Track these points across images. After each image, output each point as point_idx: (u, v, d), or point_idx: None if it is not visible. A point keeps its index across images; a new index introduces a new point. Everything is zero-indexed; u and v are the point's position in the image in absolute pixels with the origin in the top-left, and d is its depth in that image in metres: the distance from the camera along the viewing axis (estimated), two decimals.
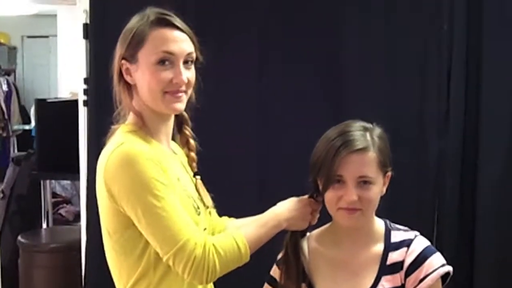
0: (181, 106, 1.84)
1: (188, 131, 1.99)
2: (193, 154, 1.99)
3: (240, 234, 1.79)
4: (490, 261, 2.84)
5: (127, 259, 1.79)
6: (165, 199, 1.70)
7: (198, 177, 1.97)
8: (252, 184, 3.07)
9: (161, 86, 1.78)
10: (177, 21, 1.81)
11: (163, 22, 1.79)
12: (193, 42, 1.84)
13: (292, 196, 1.94)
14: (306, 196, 1.91)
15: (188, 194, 1.84)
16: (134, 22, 1.82)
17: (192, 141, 1.99)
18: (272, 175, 3.07)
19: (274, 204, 1.92)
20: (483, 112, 2.84)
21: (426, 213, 2.93)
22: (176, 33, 1.80)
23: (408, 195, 2.89)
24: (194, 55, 1.83)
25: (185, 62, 1.81)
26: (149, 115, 1.84)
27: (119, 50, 1.82)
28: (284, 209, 1.89)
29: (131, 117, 1.86)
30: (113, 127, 1.88)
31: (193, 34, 1.84)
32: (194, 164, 1.99)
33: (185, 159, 1.99)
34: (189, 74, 1.82)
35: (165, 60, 1.78)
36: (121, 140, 1.76)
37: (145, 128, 1.83)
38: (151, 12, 1.81)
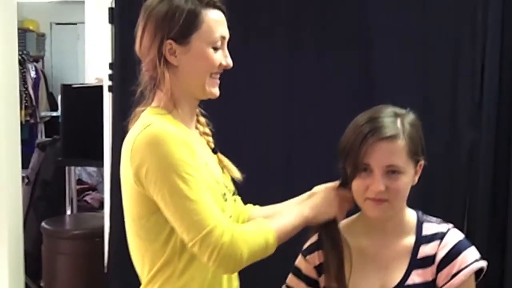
0: (218, 91, 1.83)
1: (197, 108, 1.93)
2: (207, 130, 1.93)
3: (270, 225, 1.72)
4: None
5: (151, 245, 1.75)
6: (194, 182, 1.65)
7: (218, 153, 1.92)
8: (278, 168, 3.02)
9: (212, 69, 1.78)
10: (221, 4, 1.80)
11: (211, 4, 1.77)
12: None
13: (321, 183, 1.88)
14: (330, 184, 1.84)
15: (216, 180, 1.79)
16: (178, 1, 1.75)
17: (202, 118, 1.93)
18: (298, 159, 3.00)
19: (300, 190, 1.87)
20: None
21: (456, 207, 2.86)
22: (222, 15, 1.80)
23: (439, 187, 2.82)
24: None
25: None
26: (182, 99, 1.80)
27: (160, 31, 1.75)
28: (309, 200, 1.84)
29: (159, 100, 1.80)
30: (137, 109, 1.82)
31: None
32: (210, 139, 1.93)
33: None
34: None
35: (218, 45, 1.77)
36: (149, 121, 1.71)
37: (175, 111, 1.78)
38: None
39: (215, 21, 1.76)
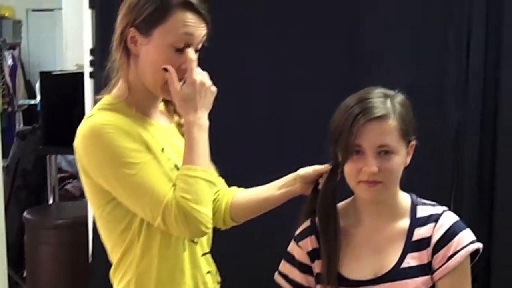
0: (169, 96, 1.76)
1: None
2: (177, 117, 1.88)
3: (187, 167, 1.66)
4: (509, 236, 2.75)
5: (111, 234, 1.76)
6: (138, 164, 1.63)
7: None
8: (267, 150, 2.99)
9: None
10: (202, 8, 1.72)
11: (188, 6, 1.69)
12: (207, 31, 1.75)
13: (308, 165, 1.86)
14: None
15: (171, 167, 1.73)
16: None
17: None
18: (287, 143, 2.97)
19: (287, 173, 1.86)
20: (502, 83, 2.74)
21: (443, 188, 2.84)
22: (197, 20, 1.71)
23: (425, 168, 2.80)
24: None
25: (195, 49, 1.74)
26: (140, 89, 1.75)
27: (127, 16, 1.72)
28: None
29: (118, 88, 1.77)
30: (97, 97, 1.81)
31: (209, 21, 1.75)
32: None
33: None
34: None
35: (181, 46, 1.69)
36: (91, 113, 1.72)
37: (130, 98, 1.74)
38: None
39: (184, 23, 1.69)
